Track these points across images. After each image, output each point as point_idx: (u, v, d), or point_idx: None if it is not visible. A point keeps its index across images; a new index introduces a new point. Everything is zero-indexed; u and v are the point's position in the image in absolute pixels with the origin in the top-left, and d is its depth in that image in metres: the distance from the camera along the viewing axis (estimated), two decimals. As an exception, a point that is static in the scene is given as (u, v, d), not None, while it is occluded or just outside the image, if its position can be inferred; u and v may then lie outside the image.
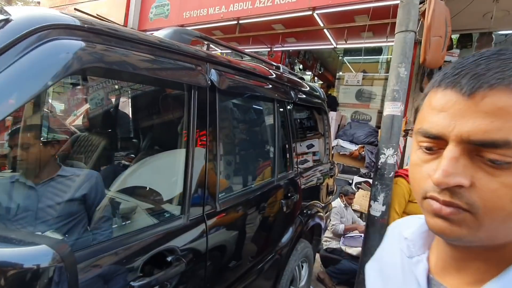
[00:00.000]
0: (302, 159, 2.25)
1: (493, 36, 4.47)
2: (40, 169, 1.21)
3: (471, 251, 0.38)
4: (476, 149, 0.33)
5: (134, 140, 2.36)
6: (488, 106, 0.32)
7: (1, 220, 0.99)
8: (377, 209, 2.40)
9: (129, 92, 2.32)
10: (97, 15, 5.79)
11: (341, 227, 3.24)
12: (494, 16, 3.37)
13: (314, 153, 2.60)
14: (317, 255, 3.10)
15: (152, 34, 1.13)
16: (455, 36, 4.87)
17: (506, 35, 4.65)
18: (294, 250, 1.96)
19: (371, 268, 0.56)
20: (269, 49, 6.07)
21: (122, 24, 6.23)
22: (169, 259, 0.91)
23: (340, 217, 3.35)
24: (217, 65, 1.17)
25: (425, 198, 0.37)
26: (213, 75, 1.12)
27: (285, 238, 1.83)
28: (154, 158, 1.31)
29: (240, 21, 4.88)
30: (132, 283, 0.79)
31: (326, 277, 3.03)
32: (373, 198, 2.46)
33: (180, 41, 1.15)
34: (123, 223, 1.01)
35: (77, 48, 0.68)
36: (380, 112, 5.63)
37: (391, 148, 2.40)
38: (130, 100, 2.37)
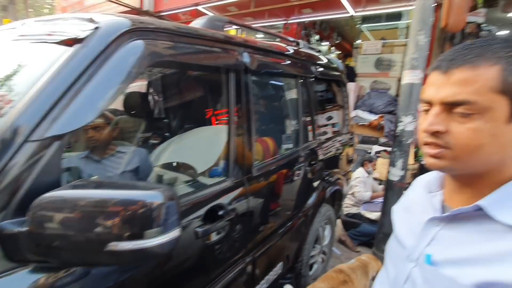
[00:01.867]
0: (323, 130, 2.41)
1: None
2: (103, 147, 1.47)
3: (465, 179, 0.55)
4: (449, 108, 0.51)
5: (165, 120, 2.59)
6: (455, 79, 0.50)
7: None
8: (396, 174, 2.55)
9: (160, 77, 2.51)
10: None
11: (367, 195, 3.44)
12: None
13: (334, 124, 2.74)
14: (339, 221, 3.33)
15: (190, 24, 1.29)
16: (480, -5, 4.63)
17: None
18: (318, 213, 2.18)
19: (397, 209, 0.75)
20: (284, 22, 6.02)
21: (138, 6, 6.32)
22: (220, 213, 1.14)
23: (364, 185, 3.53)
24: (249, 48, 1.33)
25: (422, 145, 0.55)
26: (246, 57, 1.29)
27: (310, 201, 2.05)
28: (198, 132, 1.53)
29: (255, -5, 4.86)
30: (197, 229, 1.03)
31: (347, 239, 3.28)
32: (392, 164, 2.61)
33: (214, 28, 1.31)
34: (185, 184, 1.25)
35: (148, 46, 0.86)
36: (400, 80, 5.54)
37: (409, 116, 2.50)
38: (161, 84, 2.57)
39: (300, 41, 2.22)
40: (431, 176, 0.67)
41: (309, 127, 2.05)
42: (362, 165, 3.65)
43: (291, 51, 1.81)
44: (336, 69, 2.56)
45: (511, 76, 0.47)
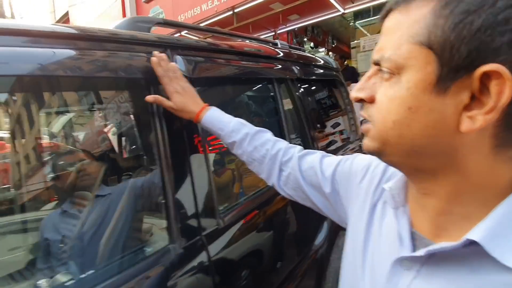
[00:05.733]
0: (326, 141, 1.97)
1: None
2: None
3: (418, 180, 0.38)
4: (379, 69, 0.37)
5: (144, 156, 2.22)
6: (385, 27, 0.36)
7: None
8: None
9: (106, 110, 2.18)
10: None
11: None
12: None
13: (340, 132, 2.29)
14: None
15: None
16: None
17: None
18: (334, 247, 1.69)
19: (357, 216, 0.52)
20: (273, 33, 5.74)
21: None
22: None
23: None
24: (183, 49, 0.94)
25: None
26: (179, 62, 0.89)
27: (321, 236, 1.57)
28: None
29: (236, 10, 4.62)
30: None
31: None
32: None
33: (136, 30, 0.95)
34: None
35: None
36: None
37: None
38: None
39: (278, 41, 1.84)
40: (393, 175, 0.47)
41: (306, 140, 1.61)
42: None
43: (260, 49, 1.41)
44: (327, 68, 2.14)
45: (440, 19, 0.30)
